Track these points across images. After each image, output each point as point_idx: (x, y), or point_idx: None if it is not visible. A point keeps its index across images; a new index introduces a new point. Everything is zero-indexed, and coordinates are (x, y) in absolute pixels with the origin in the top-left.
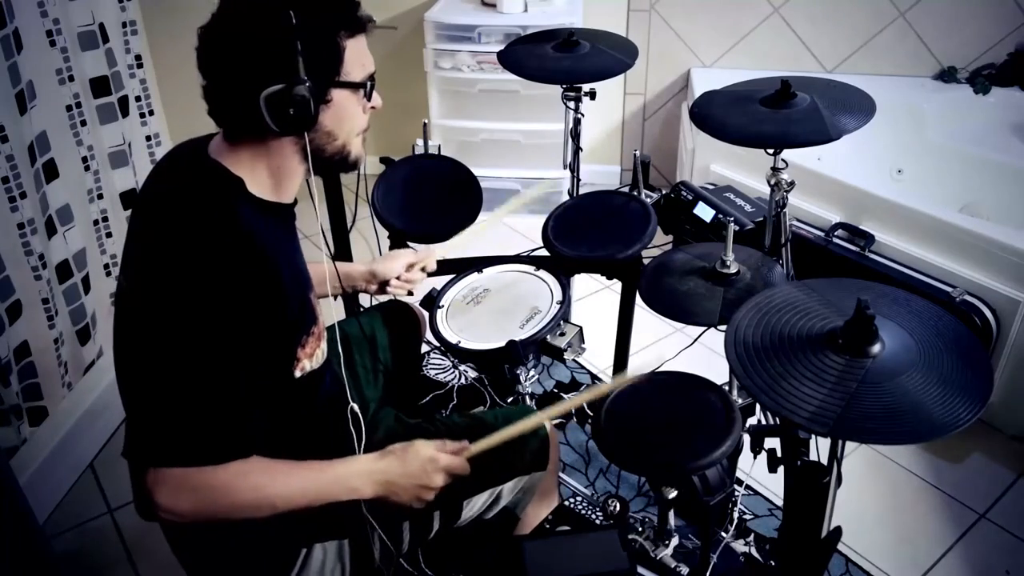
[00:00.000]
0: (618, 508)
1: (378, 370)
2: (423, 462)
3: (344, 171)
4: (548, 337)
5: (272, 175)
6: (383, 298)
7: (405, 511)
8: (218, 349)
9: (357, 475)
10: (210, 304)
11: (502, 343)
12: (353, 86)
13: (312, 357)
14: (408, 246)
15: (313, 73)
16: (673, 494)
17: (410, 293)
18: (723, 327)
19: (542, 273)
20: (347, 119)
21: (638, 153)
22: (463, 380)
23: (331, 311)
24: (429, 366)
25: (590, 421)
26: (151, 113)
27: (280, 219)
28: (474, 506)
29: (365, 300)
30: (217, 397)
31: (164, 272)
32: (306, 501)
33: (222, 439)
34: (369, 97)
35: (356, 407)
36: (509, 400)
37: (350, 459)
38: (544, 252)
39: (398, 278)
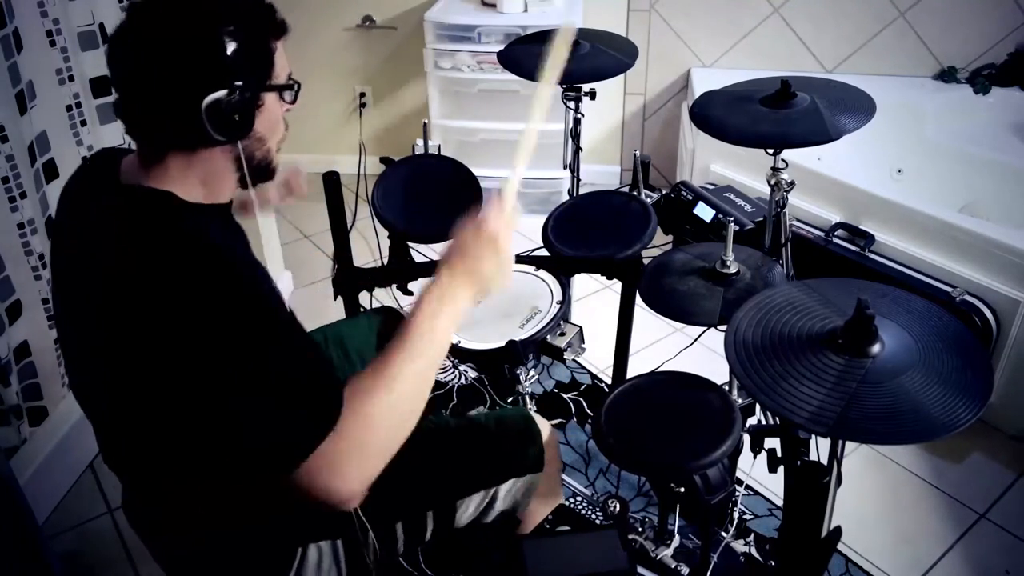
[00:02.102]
0: (618, 508)
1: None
2: (475, 237)
3: (267, 179)
4: (548, 337)
5: (203, 184)
6: (384, 298)
7: (428, 497)
8: (250, 342)
9: (441, 302)
10: (225, 304)
11: (502, 343)
12: (282, 88)
13: None
14: (408, 247)
15: (248, 77)
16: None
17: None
18: (723, 327)
19: (542, 273)
20: (275, 124)
21: (638, 153)
22: (463, 380)
23: (331, 312)
24: None
25: (590, 421)
26: None
27: (224, 217)
28: (468, 508)
29: (365, 300)
30: (288, 374)
31: (157, 317)
32: (433, 364)
33: (318, 394)
34: (294, 100)
35: None
36: (509, 400)
37: (422, 297)
38: (544, 252)
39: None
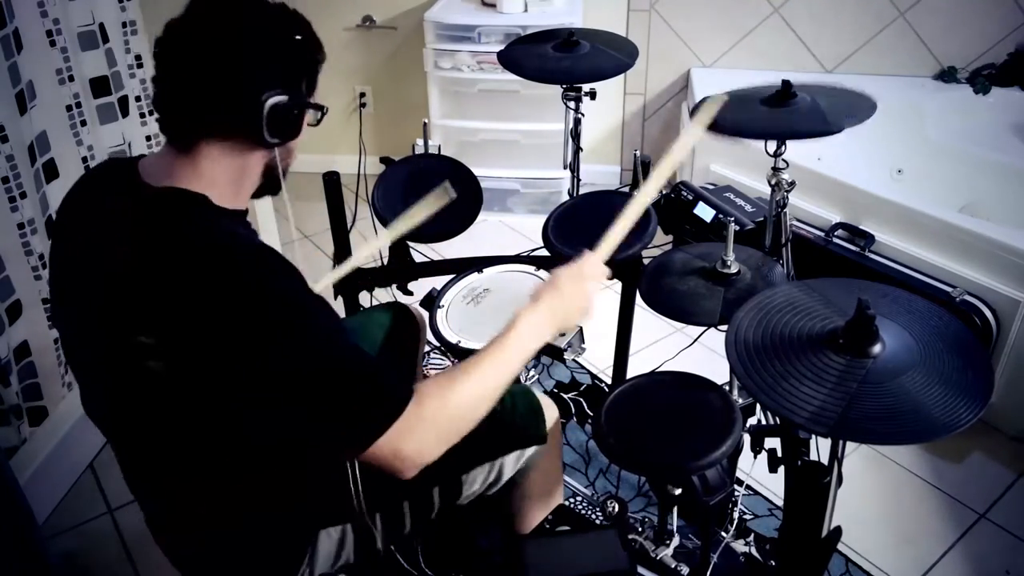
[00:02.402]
0: (617, 509)
1: None
2: (571, 280)
3: (276, 192)
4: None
5: (233, 183)
6: (383, 298)
7: (434, 473)
8: (327, 325)
9: (530, 328)
10: (294, 297)
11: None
12: (316, 107)
13: None
14: (409, 247)
15: (303, 88)
16: (677, 491)
17: (406, 290)
18: (723, 327)
19: (542, 273)
20: (300, 139)
21: (638, 153)
22: None
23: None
24: (429, 366)
25: (590, 421)
26: (151, 113)
27: (245, 225)
28: (475, 482)
29: (365, 300)
30: (355, 357)
31: (240, 317)
32: (509, 375)
33: (385, 376)
34: (318, 123)
35: None
36: None
37: (516, 322)
38: (544, 252)
39: None
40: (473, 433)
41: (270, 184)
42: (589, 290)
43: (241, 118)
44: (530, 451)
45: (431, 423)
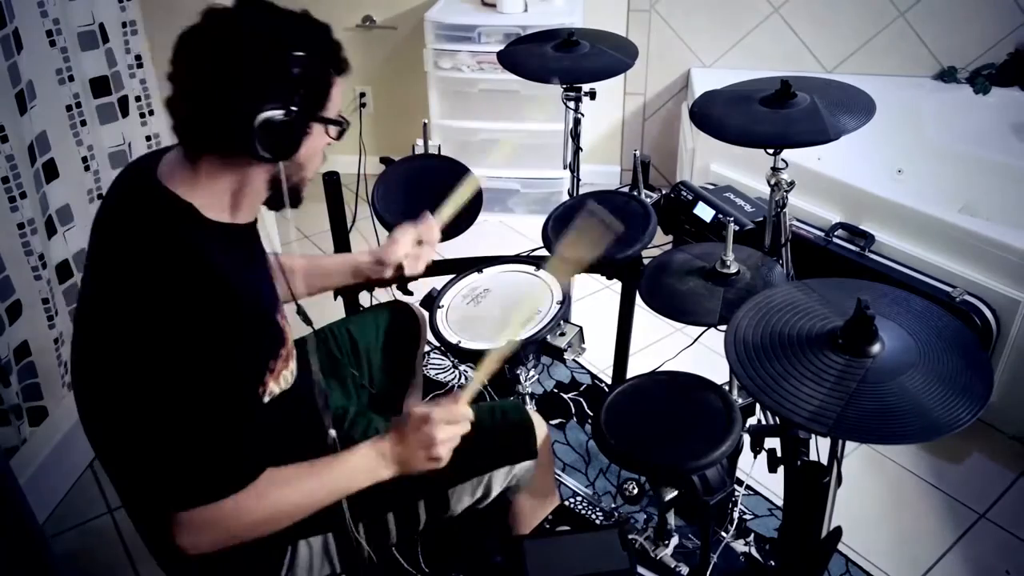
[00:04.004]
0: (636, 491)
1: (360, 383)
2: (417, 424)
3: (294, 205)
4: (548, 337)
5: (233, 197)
6: (383, 298)
7: (419, 486)
8: (199, 384)
9: (367, 461)
10: (182, 343)
11: (502, 343)
12: (332, 122)
13: (279, 379)
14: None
15: (304, 104)
16: (671, 495)
17: (406, 290)
18: (723, 327)
19: (542, 273)
20: (315, 154)
21: (638, 153)
22: (463, 380)
23: (332, 311)
24: (429, 366)
25: (590, 421)
26: (151, 113)
27: (239, 242)
28: (462, 497)
29: (365, 300)
30: (213, 430)
31: (126, 319)
32: (327, 501)
33: (232, 468)
34: (339, 137)
35: (334, 433)
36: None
37: (355, 450)
38: (544, 252)
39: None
40: (461, 449)
41: (280, 197)
42: (438, 435)
43: (232, 134)
44: (519, 466)
45: (223, 527)
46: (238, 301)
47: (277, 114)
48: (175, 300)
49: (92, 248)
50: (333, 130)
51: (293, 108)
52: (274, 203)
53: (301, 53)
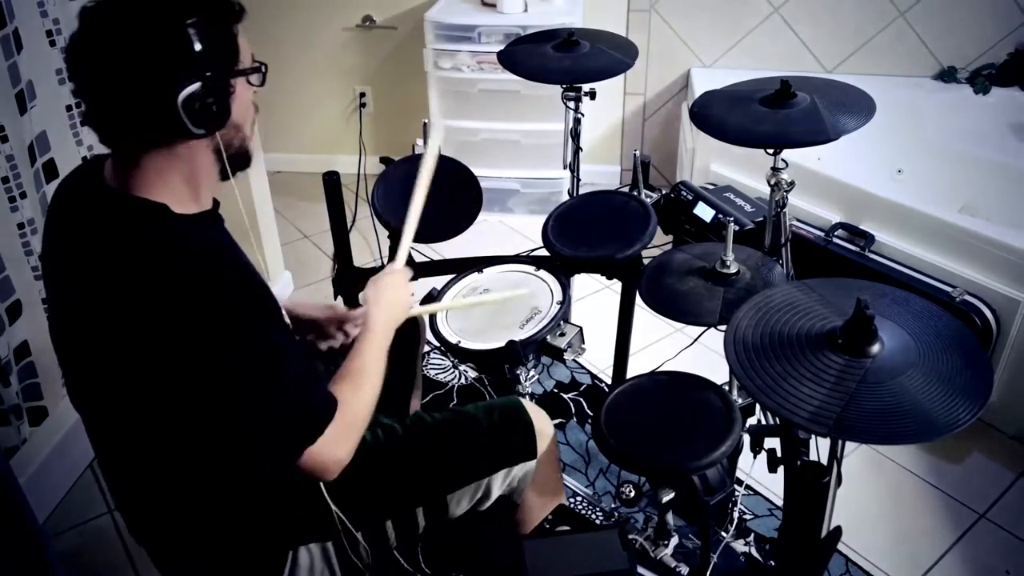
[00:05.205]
0: (633, 494)
1: None
2: (377, 282)
3: (245, 166)
4: (548, 337)
5: (187, 184)
6: None
7: (417, 494)
8: (266, 343)
9: (380, 326)
10: (240, 326)
11: (502, 343)
12: (251, 71)
13: None
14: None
15: (218, 66)
16: (668, 497)
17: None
18: (723, 327)
19: (542, 273)
20: (247, 109)
21: (638, 153)
22: (463, 380)
23: None
24: (429, 366)
25: (590, 421)
26: None
27: (212, 227)
28: (461, 501)
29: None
30: (296, 370)
31: (179, 329)
32: (381, 367)
33: (322, 385)
34: (262, 83)
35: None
36: None
37: (369, 323)
38: (544, 252)
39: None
40: (458, 451)
41: (232, 163)
42: (396, 282)
43: (163, 123)
44: (518, 468)
45: (353, 429)
46: (251, 269)
47: (195, 87)
48: (217, 294)
49: (71, 271)
50: (255, 78)
51: (208, 74)
52: (225, 173)
53: (194, 18)
